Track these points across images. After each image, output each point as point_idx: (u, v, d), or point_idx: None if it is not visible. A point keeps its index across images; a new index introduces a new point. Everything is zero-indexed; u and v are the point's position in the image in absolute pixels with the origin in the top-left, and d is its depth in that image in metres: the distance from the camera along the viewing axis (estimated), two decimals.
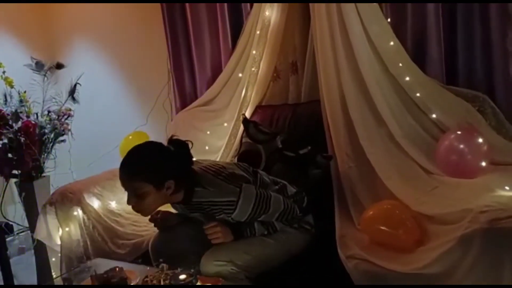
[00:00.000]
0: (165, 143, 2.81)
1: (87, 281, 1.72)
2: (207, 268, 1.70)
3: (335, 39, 2.24)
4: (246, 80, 2.50)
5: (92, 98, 3.25)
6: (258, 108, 2.60)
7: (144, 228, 2.38)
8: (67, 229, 2.35)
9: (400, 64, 2.19)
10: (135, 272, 1.73)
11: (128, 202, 1.75)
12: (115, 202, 2.49)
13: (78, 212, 2.35)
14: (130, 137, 2.85)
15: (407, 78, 2.17)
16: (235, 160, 2.45)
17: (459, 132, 1.93)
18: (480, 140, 1.88)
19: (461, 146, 1.89)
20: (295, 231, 1.88)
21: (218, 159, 2.49)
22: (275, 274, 1.78)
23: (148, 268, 1.81)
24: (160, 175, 1.71)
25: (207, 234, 1.77)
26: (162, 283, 1.54)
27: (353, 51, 2.21)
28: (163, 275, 1.55)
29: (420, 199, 1.84)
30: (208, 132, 2.71)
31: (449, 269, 1.51)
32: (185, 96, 3.05)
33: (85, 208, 2.36)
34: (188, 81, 3.04)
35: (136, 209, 1.77)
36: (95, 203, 2.40)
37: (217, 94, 2.83)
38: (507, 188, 1.62)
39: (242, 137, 2.49)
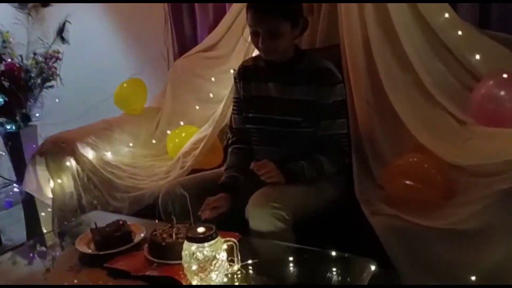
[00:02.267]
0: (161, 93, 2.63)
1: (86, 235, 1.54)
2: (256, 211, 1.53)
3: None
4: None
5: (82, 42, 2.97)
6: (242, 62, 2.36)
7: (143, 181, 2.20)
8: (59, 181, 2.16)
9: (431, 3, 1.98)
10: (140, 226, 1.55)
11: (263, 42, 1.61)
12: (111, 153, 2.30)
13: (71, 163, 2.16)
14: (125, 85, 2.62)
15: (438, 19, 1.96)
16: None
17: (498, 79, 1.74)
18: None
19: (501, 93, 1.71)
20: (327, 183, 1.74)
21: (221, 110, 2.27)
22: (307, 225, 1.62)
23: (156, 221, 1.63)
24: (299, 10, 1.65)
25: (258, 172, 1.61)
26: (173, 237, 1.35)
27: None
28: (174, 228, 1.37)
29: (452, 151, 1.67)
30: (213, 79, 2.48)
31: (487, 226, 1.37)
32: (185, 41, 2.82)
33: (79, 159, 2.16)
34: (188, 25, 2.80)
35: (269, 49, 1.63)
36: (90, 154, 2.21)
37: (221, 39, 2.60)
38: None
39: None
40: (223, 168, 1.83)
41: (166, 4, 2.80)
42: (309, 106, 1.67)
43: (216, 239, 1.19)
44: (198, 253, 1.18)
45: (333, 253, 1.31)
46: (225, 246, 1.22)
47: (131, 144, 2.40)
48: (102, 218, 1.66)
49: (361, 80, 2.00)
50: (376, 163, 1.88)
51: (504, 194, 1.34)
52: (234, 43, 2.50)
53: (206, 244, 1.18)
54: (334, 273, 1.25)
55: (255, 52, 2.27)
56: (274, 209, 1.51)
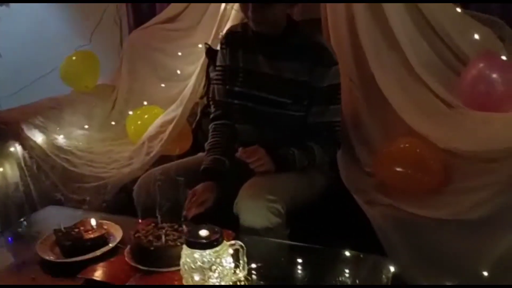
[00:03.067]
0: (115, 69, 2.36)
1: (48, 238, 1.30)
2: (249, 205, 1.37)
3: None
4: None
5: (19, 6, 2.60)
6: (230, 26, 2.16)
7: (102, 169, 1.96)
8: (1, 169, 1.87)
9: None
10: (115, 226, 1.33)
11: (253, 11, 1.44)
12: (63, 136, 2.02)
13: (16, 148, 1.87)
14: (74, 57, 2.32)
15: None
16: (205, 101, 2.04)
17: (489, 61, 1.68)
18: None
19: (494, 75, 1.65)
20: (317, 171, 1.61)
21: (191, 89, 2.05)
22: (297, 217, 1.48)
23: (135, 220, 1.42)
24: None
25: (247, 159, 1.45)
26: (163, 240, 1.17)
27: None
28: (164, 229, 1.18)
29: (447, 135, 1.60)
30: (180, 53, 2.25)
31: (496, 215, 1.31)
32: (140, 11, 2.55)
33: (25, 143, 1.89)
34: None
35: (260, 18, 1.46)
36: (38, 137, 1.94)
37: (184, 10, 2.36)
38: None
39: (208, 71, 2.05)
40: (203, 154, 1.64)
41: None
42: (300, 87, 1.51)
43: (222, 244, 1.02)
44: (201, 261, 1.00)
45: (347, 253, 1.18)
46: (230, 251, 1.05)
47: (86, 126, 2.13)
48: (62, 215, 1.43)
49: (344, 58, 1.86)
50: (362, 148, 1.78)
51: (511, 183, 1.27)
52: (200, 15, 2.28)
53: (211, 250, 1.00)
54: (355, 276, 1.12)
55: (229, 24, 2.10)
56: (269, 202, 1.36)
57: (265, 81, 1.54)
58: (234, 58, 1.60)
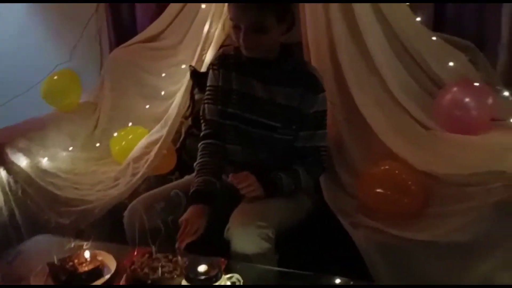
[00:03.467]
0: (97, 87, 2.36)
1: (41, 271, 1.31)
2: (240, 232, 1.41)
3: None
4: (211, 13, 2.08)
5: None
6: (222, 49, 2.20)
7: (89, 191, 1.97)
8: None
9: (393, 4, 1.96)
10: (108, 256, 1.36)
11: (244, 38, 1.47)
12: (47, 159, 2.02)
13: (1, 173, 1.85)
14: (56, 77, 2.31)
15: (400, 22, 1.94)
16: (189, 121, 2.07)
17: (463, 86, 1.78)
18: (487, 94, 1.75)
19: (467, 100, 1.74)
20: (303, 195, 1.66)
21: (176, 109, 2.08)
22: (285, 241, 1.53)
23: (127, 248, 1.44)
24: (285, 5, 1.51)
25: (237, 185, 1.48)
26: (159, 272, 1.20)
27: None
28: (161, 262, 1.21)
29: (425, 158, 1.68)
30: (163, 75, 2.27)
31: (477, 239, 1.37)
32: (122, 29, 2.56)
33: (10, 168, 1.87)
34: (126, 11, 2.53)
35: (251, 45, 1.50)
36: (23, 162, 1.93)
37: (166, 28, 2.38)
38: None
39: (192, 92, 2.08)
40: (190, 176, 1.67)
41: None
42: (291, 112, 1.57)
43: (221, 279, 1.06)
44: None
45: (338, 280, 1.23)
46: (228, 283, 1.10)
47: (70, 148, 2.13)
48: (51, 245, 1.43)
49: (326, 81, 1.90)
50: (344, 170, 1.84)
51: (494, 207, 1.35)
52: (182, 34, 2.31)
53: (210, 285, 1.04)
54: None
55: (212, 47, 2.14)
56: (260, 228, 1.41)
57: (258, 104, 1.59)
58: (227, 80, 1.63)
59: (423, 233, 1.49)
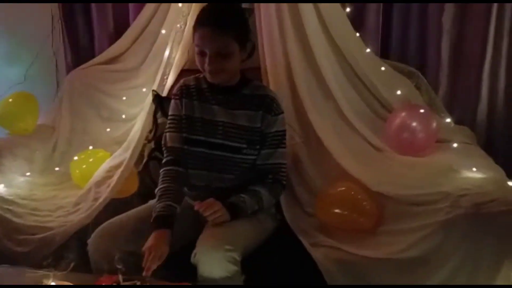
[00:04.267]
0: (54, 109, 2.35)
1: None
2: (208, 256, 1.45)
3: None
4: (172, 38, 2.13)
5: None
6: (183, 73, 2.24)
7: (48, 217, 1.94)
8: None
9: (344, 33, 2.09)
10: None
11: (210, 63, 1.55)
12: (4, 185, 1.98)
13: None
14: (11, 99, 2.26)
15: (352, 49, 2.08)
16: (152, 145, 2.11)
17: (410, 110, 1.92)
18: (431, 118, 1.90)
19: (413, 123, 1.89)
20: (265, 214, 1.73)
21: (136, 134, 2.10)
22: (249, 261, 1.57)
23: (93, 276, 1.44)
24: (247, 34, 1.62)
25: (204, 213, 1.52)
26: None
27: (300, 15, 2.02)
28: None
29: (377, 179, 1.79)
30: (124, 98, 2.29)
31: (428, 255, 1.50)
32: (79, 50, 2.54)
33: None
34: (83, 33, 2.53)
35: (216, 70, 1.58)
36: None
37: (125, 51, 2.40)
38: (474, 169, 1.66)
39: (155, 116, 2.10)
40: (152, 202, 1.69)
41: (54, 5, 2.48)
42: (254, 133, 1.66)
43: None
44: None
45: None
46: None
47: (28, 174, 2.10)
48: (11, 276, 1.41)
49: (284, 105, 1.99)
50: (302, 189, 1.94)
51: (442, 225, 1.48)
52: (142, 57, 2.33)
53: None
54: None
55: (173, 70, 2.18)
56: (227, 251, 1.46)
57: (222, 128, 1.67)
58: (190, 109, 1.69)
59: (379, 251, 1.60)
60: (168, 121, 1.75)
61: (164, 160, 1.73)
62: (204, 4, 1.66)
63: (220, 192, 1.63)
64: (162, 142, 1.76)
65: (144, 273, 1.40)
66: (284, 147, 1.72)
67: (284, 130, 1.72)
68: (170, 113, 1.75)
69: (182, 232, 1.59)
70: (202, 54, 1.56)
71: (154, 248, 1.46)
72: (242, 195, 1.62)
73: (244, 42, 1.60)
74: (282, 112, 1.69)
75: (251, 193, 1.64)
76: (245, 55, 1.64)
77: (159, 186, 1.66)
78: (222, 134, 1.66)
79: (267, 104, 1.65)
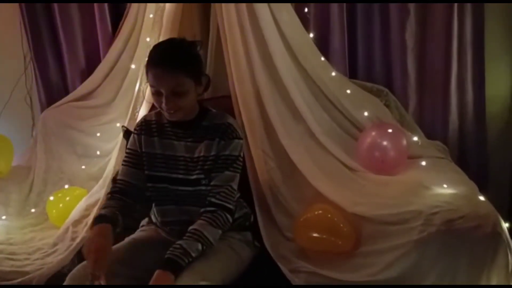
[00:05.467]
0: (29, 149, 2.34)
1: None
2: None
3: (244, 28, 2.03)
4: (141, 72, 2.15)
5: None
6: (154, 107, 2.24)
7: (25, 261, 1.92)
8: None
9: (311, 57, 2.13)
10: None
11: (167, 102, 1.54)
12: None
13: None
14: None
15: (319, 72, 2.11)
16: None
17: (380, 130, 1.95)
18: (401, 135, 1.93)
19: (384, 142, 1.91)
20: (241, 243, 1.72)
21: (110, 171, 2.10)
22: None
23: None
24: (200, 68, 1.63)
25: None
26: None
27: (265, 42, 2.04)
28: None
29: (353, 199, 1.80)
30: (97, 133, 2.29)
31: (405, 274, 1.51)
32: (52, 89, 2.56)
33: None
34: (55, 71, 2.55)
35: (174, 109, 1.56)
36: None
37: (97, 87, 2.42)
38: (445, 185, 1.68)
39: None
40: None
41: (25, 46, 2.49)
42: (210, 162, 1.64)
43: None
44: None
45: None
46: None
47: (3, 217, 2.08)
48: None
49: (256, 131, 2.05)
50: (280, 213, 1.94)
51: (417, 243, 1.49)
52: (114, 92, 2.35)
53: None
54: None
55: (145, 104, 2.19)
56: None
57: (181, 163, 1.66)
58: (151, 146, 1.69)
59: (358, 274, 1.60)
60: (125, 155, 1.75)
61: (109, 190, 1.72)
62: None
63: (191, 225, 1.58)
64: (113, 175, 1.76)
65: (90, 271, 1.40)
66: (234, 172, 1.64)
67: (238, 156, 1.65)
68: (127, 146, 1.76)
69: (152, 264, 1.53)
70: (158, 93, 1.56)
71: (95, 240, 1.46)
72: (178, 242, 1.51)
73: (198, 77, 1.59)
74: (239, 138, 1.66)
75: (188, 235, 1.54)
76: (201, 89, 1.64)
77: (101, 211, 1.62)
78: (183, 169, 1.66)
79: (223, 130, 1.64)
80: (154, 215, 1.78)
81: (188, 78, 1.55)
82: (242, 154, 1.68)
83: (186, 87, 1.55)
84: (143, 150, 1.70)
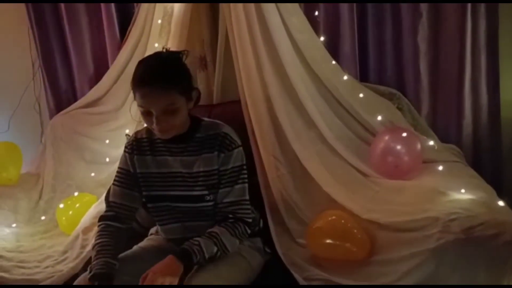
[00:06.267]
0: (38, 156, 2.32)
1: None
2: None
3: (254, 32, 2.02)
4: None
5: None
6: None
7: (35, 269, 1.90)
8: None
9: (321, 61, 2.10)
10: None
11: (158, 123, 1.47)
12: None
13: None
14: None
15: (330, 76, 2.08)
16: None
17: (394, 134, 1.91)
18: (415, 139, 1.90)
19: (398, 147, 1.88)
20: (251, 250, 1.67)
21: None
22: None
23: None
24: (190, 83, 1.54)
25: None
26: None
27: (275, 47, 2.03)
28: None
29: (366, 206, 1.78)
30: (106, 139, 2.28)
31: (423, 282, 1.46)
32: (60, 95, 2.55)
33: None
34: (64, 78, 2.56)
35: (166, 128, 1.50)
36: None
37: (105, 94, 2.41)
38: (462, 191, 1.64)
39: None
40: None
41: (33, 53, 2.49)
42: (212, 176, 1.58)
43: None
44: None
45: None
46: None
47: (14, 225, 2.07)
48: None
49: (266, 137, 2.02)
50: (292, 220, 1.91)
51: (433, 252, 1.45)
52: (122, 98, 2.34)
53: None
54: None
55: None
56: None
57: (180, 179, 1.60)
58: (144, 165, 1.62)
59: (373, 282, 1.55)
60: (116, 174, 1.67)
61: (102, 214, 1.65)
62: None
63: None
64: (105, 195, 1.69)
65: None
66: (243, 183, 1.60)
67: (242, 165, 1.60)
68: (118, 165, 1.67)
69: None
70: (148, 113, 1.48)
71: None
72: (196, 239, 1.49)
73: (189, 93, 1.52)
74: (238, 146, 1.59)
75: (207, 235, 1.51)
76: (192, 103, 1.56)
77: (96, 241, 1.57)
78: (182, 185, 1.60)
79: (220, 142, 1.57)
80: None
81: (179, 95, 1.47)
82: (244, 161, 1.61)
83: (178, 104, 1.48)
84: (138, 171, 1.63)
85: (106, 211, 1.64)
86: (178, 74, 1.50)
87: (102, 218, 1.63)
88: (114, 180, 1.66)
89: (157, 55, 1.55)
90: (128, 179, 1.63)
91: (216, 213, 1.59)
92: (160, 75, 1.46)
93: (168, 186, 1.61)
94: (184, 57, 1.55)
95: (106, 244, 1.54)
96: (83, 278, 1.54)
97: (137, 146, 1.64)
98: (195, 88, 1.57)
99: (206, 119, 1.66)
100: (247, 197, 1.61)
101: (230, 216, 1.56)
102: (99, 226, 1.61)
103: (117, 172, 1.66)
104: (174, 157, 1.60)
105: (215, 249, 1.49)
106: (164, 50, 1.57)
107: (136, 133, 1.69)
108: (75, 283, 1.56)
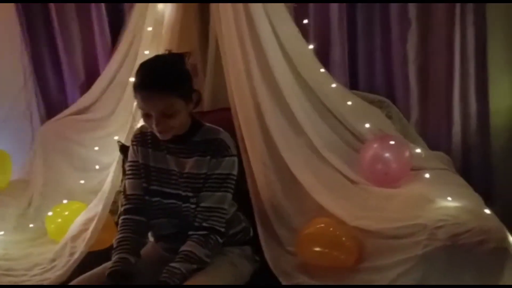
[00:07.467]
0: (28, 162, 2.31)
1: None
2: None
3: (244, 40, 2.02)
4: None
5: None
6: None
7: (23, 277, 1.89)
8: None
9: (311, 69, 2.11)
10: None
11: (158, 124, 1.50)
12: None
13: None
14: None
15: (319, 84, 2.09)
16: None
17: (382, 142, 1.92)
18: (404, 147, 1.90)
19: (387, 154, 1.88)
20: (241, 259, 1.68)
21: (108, 185, 2.06)
22: None
23: None
24: (190, 86, 1.56)
25: None
26: None
27: (265, 54, 2.03)
28: None
29: (355, 213, 1.78)
30: (96, 148, 2.27)
31: None
32: (51, 102, 2.55)
33: None
34: (54, 85, 2.54)
35: (166, 129, 1.52)
36: None
37: (96, 101, 2.40)
38: (449, 198, 1.64)
39: (123, 166, 2.01)
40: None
41: (25, 60, 2.49)
42: (199, 180, 1.59)
43: None
44: None
45: None
46: None
47: (1, 233, 2.05)
48: None
49: (256, 144, 2.02)
50: (281, 227, 1.91)
51: (422, 258, 1.45)
52: (113, 106, 2.34)
53: None
54: None
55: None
56: None
57: (173, 177, 1.63)
58: (146, 157, 1.67)
59: None
60: (127, 168, 1.72)
61: (123, 208, 1.68)
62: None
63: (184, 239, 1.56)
64: (122, 190, 1.72)
65: None
66: (226, 191, 1.59)
67: (229, 174, 1.59)
68: (128, 159, 1.72)
69: (149, 282, 1.54)
70: (148, 115, 1.51)
71: None
72: (174, 265, 1.48)
73: (189, 95, 1.54)
74: (232, 155, 1.60)
75: (181, 255, 1.51)
76: (192, 106, 1.58)
77: (117, 236, 1.61)
78: (174, 183, 1.63)
79: (215, 147, 1.58)
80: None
81: (178, 98, 1.50)
82: (235, 171, 1.61)
83: (177, 107, 1.50)
84: (140, 161, 1.67)
85: (124, 205, 1.67)
86: (178, 78, 1.53)
87: (122, 212, 1.66)
88: (127, 175, 1.70)
89: (158, 58, 1.61)
90: (140, 171, 1.67)
91: (195, 215, 1.59)
92: (159, 80, 1.49)
93: (162, 182, 1.64)
94: (187, 59, 1.59)
95: (124, 239, 1.58)
96: (82, 278, 1.56)
97: (141, 138, 1.68)
98: (195, 91, 1.59)
99: (208, 124, 1.68)
100: (226, 207, 1.60)
101: (204, 225, 1.56)
102: (120, 220, 1.64)
103: (128, 166, 1.71)
104: (171, 155, 1.64)
105: (195, 266, 1.51)
106: (167, 52, 1.61)
107: (142, 126, 1.73)
108: (75, 282, 1.57)
